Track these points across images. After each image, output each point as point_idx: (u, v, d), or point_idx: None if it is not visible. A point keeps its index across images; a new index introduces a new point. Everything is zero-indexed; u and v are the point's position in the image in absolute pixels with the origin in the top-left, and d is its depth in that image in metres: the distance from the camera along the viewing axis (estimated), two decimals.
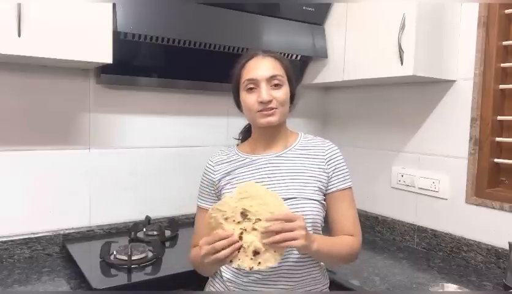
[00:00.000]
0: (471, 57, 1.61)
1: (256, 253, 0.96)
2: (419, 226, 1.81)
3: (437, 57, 1.61)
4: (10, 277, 1.37)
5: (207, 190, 1.22)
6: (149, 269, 1.39)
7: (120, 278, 1.31)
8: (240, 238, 0.96)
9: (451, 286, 1.34)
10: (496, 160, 1.59)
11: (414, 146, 1.85)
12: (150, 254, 1.46)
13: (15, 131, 1.53)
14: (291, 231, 0.94)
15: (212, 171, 1.22)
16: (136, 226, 1.71)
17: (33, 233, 1.56)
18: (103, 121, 1.70)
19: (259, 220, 0.96)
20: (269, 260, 0.96)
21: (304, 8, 1.84)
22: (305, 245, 0.96)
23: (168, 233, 1.72)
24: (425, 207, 1.79)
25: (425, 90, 1.79)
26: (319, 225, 1.14)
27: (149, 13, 1.51)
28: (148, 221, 1.77)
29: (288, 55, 1.83)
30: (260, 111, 1.12)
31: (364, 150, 2.09)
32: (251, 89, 1.14)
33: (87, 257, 1.47)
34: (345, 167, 1.19)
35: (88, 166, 1.68)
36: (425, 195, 1.79)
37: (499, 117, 1.58)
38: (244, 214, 0.98)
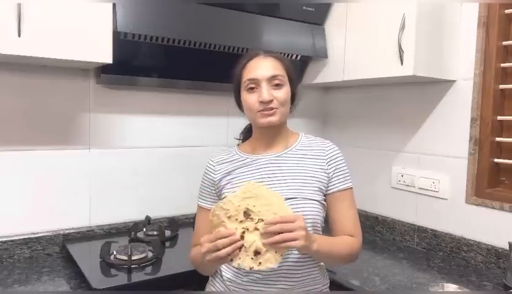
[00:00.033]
0: (471, 57, 1.61)
1: (257, 253, 0.96)
2: (419, 226, 1.81)
3: (437, 57, 1.61)
4: (10, 277, 1.37)
5: (208, 189, 1.23)
6: (149, 269, 1.39)
7: (120, 278, 1.31)
8: (242, 237, 0.96)
9: (451, 286, 1.34)
10: (496, 160, 1.59)
11: (414, 146, 1.85)
12: (150, 254, 1.46)
13: (15, 131, 1.53)
14: (291, 231, 0.94)
15: (212, 171, 1.22)
16: (136, 226, 1.71)
17: (33, 233, 1.56)
18: (103, 121, 1.70)
19: (262, 220, 0.97)
20: (269, 261, 0.96)
21: (304, 8, 1.84)
22: (305, 246, 0.96)
23: (168, 233, 1.72)
24: (425, 207, 1.79)
25: (425, 90, 1.79)
26: (319, 225, 1.14)
27: (149, 13, 1.51)
28: (148, 221, 1.77)
29: (288, 55, 1.83)
30: (261, 111, 1.12)
31: (364, 150, 2.09)
32: (252, 88, 1.14)
33: (87, 257, 1.47)
34: (345, 168, 1.20)
35: (88, 166, 1.68)
36: (425, 195, 1.79)
37: (499, 117, 1.58)
38: (247, 214, 0.98)
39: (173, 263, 1.44)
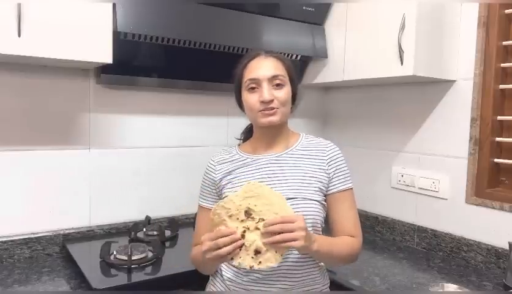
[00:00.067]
0: (471, 57, 1.61)
1: (257, 252, 0.96)
2: (419, 226, 1.81)
3: (437, 57, 1.61)
4: (10, 277, 1.37)
5: (209, 189, 1.23)
6: (149, 269, 1.39)
7: (120, 278, 1.31)
8: (243, 236, 0.97)
9: (451, 286, 1.34)
10: (496, 160, 1.59)
11: (414, 146, 1.85)
12: (150, 254, 1.46)
13: (15, 131, 1.53)
14: (292, 231, 0.94)
15: (213, 171, 1.22)
16: (136, 226, 1.71)
17: (33, 233, 1.56)
18: (103, 121, 1.70)
19: (263, 220, 0.97)
20: (269, 260, 0.96)
21: (304, 8, 1.84)
22: (305, 246, 0.96)
23: (168, 233, 1.72)
24: (425, 207, 1.79)
25: (425, 90, 1.79)
26: (319, 226, 1.14)
27: (149, 13, 1.51)
28: (148, 221, 1.77)
29: (288, 55, 1.83)
30: (262, 110, 1.12)
31: (364, 150, 2.09)
32: (253, 88, 1.14)
33: (87, 257, 1.47)
34: (345, 168, 1.20)
35: (88, 166, 1.68)
36: (425, 195, 1.79)
37: (499, 117, 1.58)
38: (248, 213, 0.98)
39: (173, 263, 1.44)
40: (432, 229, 1.75)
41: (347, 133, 2.19)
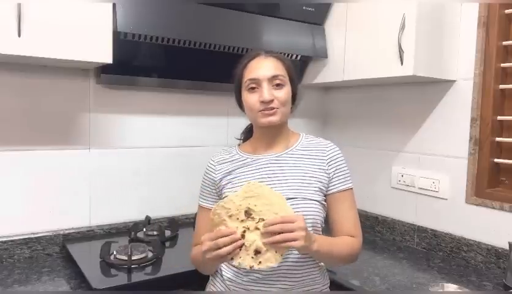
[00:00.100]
0: (471, 57, 1.61)
1: (257, 252, 0.96)
2: (419, 226, 1.81)
3: (437, 57, 1.61)
4: (10, 277, 1.37)
5: (209, 189, 1.23)
6: (149, 269, 1.39)
7: (120, 278, 1.31)
8: (243, 236, 0.97)
9: (451, 286, 1.34)
10: (496, 160, 1.59)
11: (414, 146, 1.85)
12: (150, 254, 1.46)
13: (15, 131, 1.53)
14: (292, 231, 0.94)
15: (213, 171, 1.22)
16: (136, 226, 1.71)
17: (33, 233, 1.56)
18: (103, 121, 1.70)
19: (263, 220, 0.97)
20: (269, 260, 0.96)
21: (304, 8, 1.84)
22: (305, 246, 0.96)
23: (168, 233, 1.72)
24: (425, 207, 1.79)
25: (425, 90, 1.79)
26: (319, 226, 1.14)
27: (149, 13, 1.51)
28: (148, 221, 1.77)
29: (288, 55, 1.83)
30: (262, 110, 1.12)
31: (364, 150, 2.09)
32: (253, 88, 1.14)
33: (87, 257, 1.47)
34: (345, 168, 1.20)
35: (88, 166, 1.68)
36: (425, 195, 1.79)
37: (499, 117, 1.58)
38: (248, 213, 0.98)
39: (173, 263, 1.44)
40: (432, 229, 1.75)
41: (347, 133, 2.19)
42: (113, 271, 1.36)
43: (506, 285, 1.40)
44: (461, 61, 1.65)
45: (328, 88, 2.30)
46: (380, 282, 1.43)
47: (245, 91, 1.16)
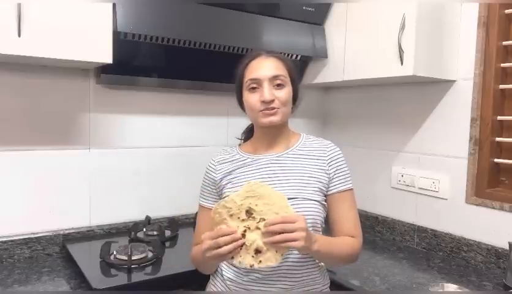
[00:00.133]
0: (471, 57, 1.61)
1: (258, 251, 0.96)
2: (419, 226, 1.81)
3: (437, 57, 1.61)
4: (10, 277, 1.37)
5: (209, 189, 1.23)
6: (149, 269, 1.39)
7: (120, 278, 1.31)
8: (244, 236, 0.97)
9: (451, 286, 1.34)
10: (496, 160, 1.59)
11: (414, 146, 1.85)
12: (150, 254, 1.46)
13: (15, 131, 1.53)
14: (292, 232, 0.94)
15: (213, 170, 1.22)
16: (136, 226, 1.71)
17: (33, 233, 1.56)
18: (103, 121, 1.70)
19: (264, 219, 0.97)
20: (270, 259, 0.97)
21: (304, 8, 1.84)
22: (305, 246, 0.96)
23: (168, 233, 1.72)
24: (425, 207, 1.79)
25: (425, 90, 1.79)
26: (319, 226, 1.14)
27: (149, 13, 1.51)
28: (148, 221, 1.77)
29: (288, 55, 1.83)
30: (262, 110, 1.12)
31: (364, 150, 2.09)
32: (254, 88, 1.14)
33: (87, 257, 1.47)
34: (346, 169, 1.20)
35: (88, 166, 1.68)
36: (425, 195, 1.79)
37: (499, 117, 1.58)
38: (249, 213, 0.98)
39: (173, 263, 1.44)
40: (432, 229, 1.75)
41: (347, 133, 2.19)
42: (113, 271, 1.36)
43: (506, 285, 1.40)
44: (461, 61, 1.65)
45: (328, 88, 2.30)
46: (380, 282, 1.43)
47: (246, 91, 1.16)
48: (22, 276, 1.38)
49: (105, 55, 1.37)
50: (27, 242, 1.54)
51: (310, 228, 1.09)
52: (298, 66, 1.99)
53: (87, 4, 1.33)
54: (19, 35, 1.22)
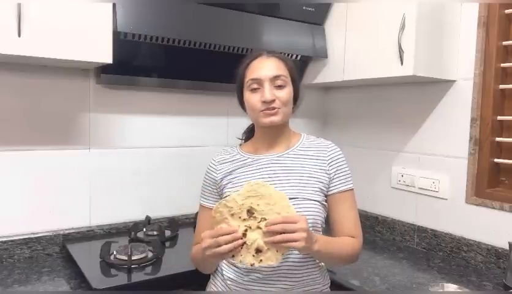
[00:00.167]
0: (471, 57, 1.61)
1: (258, 251, 0.97)
2: (419, 226, 1.81)
3: (437, 57, 1.61)
4: (10, 277, 1.37)
5: (210, 189, 1.23)
6: (149, 269, 1.39)
7: (120, 278, 1.31)
8: (245, 235, 0.97)
9: (451, 286, 1.34)
10: (496, 160, 1.59)
11: (414, 146, 1.85)
12: (150, 254, 1.46)
13: (15, 131, 1.53)
14: (294, 232, 0.94)
15: (214, 170, 1.22)
16: (136, 226, 1.71)
17: (33, 233, 1.56)
18: (103, 121, 1.70)
19: (265, 219, 0.97)
20: (270, 259, 0.97)
21: (304, 8, 1.84)
22: (306, 247, 0.96)
23: (168, 233, 1.72)
24: (425, 207, 1.79)
25: (425, 90, 1.79)
26: (319, 226, 1.14)
27: (149, 13, 1.51)
28: (148, 221, 1.77)
29: (288, 55, 1.83)
30: (263, 110, 1.13)
31: (364, 150, 2.09)
32: (255, 88, 1.14)
33: (87, 257, 1.47)
34: (346, 169, 1.20)
35: (88, 166, 1.68)
36: (425, 195, 1.79)
37: (499, 117, 1.58)
38: (250, 212, 0.99)
39: (173, 263, 1.44)
40: (432, 229, 1.75)
41: (347, 133, 2.19)
42: (113, 271, 1.36)
43: (506, 285, 1.40)
44: (461, 61, 1.65)
45: (328, 88, 2.30)
46: (380, 282, 1.43)
47: (247, 91, 1.16)
48: (22, 276, 1.38)
49: (105, 55, 1.37)
50: (27, 242, 1.54)
51: (311, 228, 1.09)
52: (298, 66, 1.98)
53: (87, 4, 1.32)
54: (19, 35, 1.22)
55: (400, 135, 1.91)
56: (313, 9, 1.87)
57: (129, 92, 1.75)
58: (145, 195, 1.81)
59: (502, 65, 1.57)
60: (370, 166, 2.05)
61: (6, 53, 1.22)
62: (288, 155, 1.19)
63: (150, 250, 1.48)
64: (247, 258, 0.97)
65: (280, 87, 1.14)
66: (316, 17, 1.90)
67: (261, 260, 0.97)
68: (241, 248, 0.97)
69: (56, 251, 1.59)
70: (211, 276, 1.24)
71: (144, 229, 1.71)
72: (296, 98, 1.21)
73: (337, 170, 1.17)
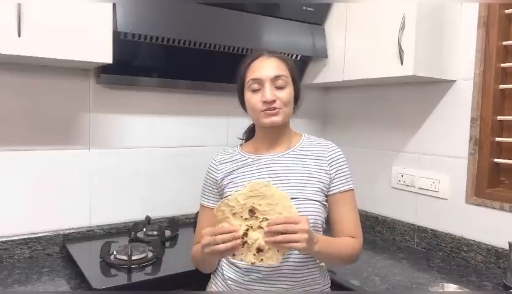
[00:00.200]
0: (471, 57, 1.61)
1: (259, 250, 0.97)
2: (419, 226, 1.81)
3: (437, 57, 1.61)
4: (10, 277, 1.37)
5: (210, 188, 1.23)
6: (149, 269, 1.39)
7: (120, 278, 1.31)
8: (246, 234, 0.97)
9: (451, 286, 1.34)
10: (496, 160, 1.59)
11: (414, 146, 1.85)
12: (150, 254, 1.46)
13: (15, 131, 1.53)
14: (295, 233, 0.94)
15: (215, 170, 1.22)
16: (136, 226, 1.71)
17: (33, 233, 1.56)
18: (103, 121, 1.70)
19: (267, 219, 0.97)
20: (271, 258, 0.97)
21: (304, 8, 1.84)
22: (307, 248, 0.96)
23: (168, 233, 1.72)
24: (425, 207, 1.79)
25: (425, 90, 1.79)
26: (320, 226, 1.14)
27: (149, 13, 1.51)
28: (148, 221, 1.77)
29: (288, 55, 1.83)
30: (264, 110, 1.13)
31: (364, 150, 2.09)
32: (255, 89, 1.14)
33: (87, 257, 1.47)
34: (347, 169, 1.20)
35: (88, 166, 1.68)
36: (425, 195, 1.79)
37: (499, 117, 1.58)
38: (252, 212, 0.99)
39: (173, 263, 1.44)
40: (432, 229, 1.75)
41: (347, 133, 2.19)
42: (113, 271, 1.36)
43: (506, 285, 1.40)
44: (461, 61, 1.65)
45: (328, 88, 2.30)
46: (380, 282, 1.43)
47: (247, 91, 1.16)
48: (22, 276, 1.38)
49: (105, 55, 1.37)
50: (27, 242, 1.54)
51: (311, 229, 1.09)
52: (298, 66, 1.99)
53: (87, 4, 1.32)
54: (19, 35, 1.22)
55: (400, 135, 1.91)
56: (313, 9, 1.87)
57: (129, 92, 1.75)
58: (145, 195, 1.81)
59: (502, 65, 1.57)
60: (370, 166, 2.05)
61: (6, 53, 1.22)
62: (288, 155, 1.19)
63: (150, 250, 1.48)
64: (247, 257, 0.97)
65: (280, 87, 1.14)
66: (316, 17, 1.90)
67: (261, 259, 0.97)
68: (242, 247, 0.97)
69: (56, 251, 1.59)
70: (212, 276, 1.24)
71: (144, 229, 1.71)
72: (296, 98, 1.21)
73: (337, 170, 1.17)
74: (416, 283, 1.42)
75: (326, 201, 1.17)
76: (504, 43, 1.57)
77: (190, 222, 1.86)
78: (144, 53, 1.68)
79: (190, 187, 1.84)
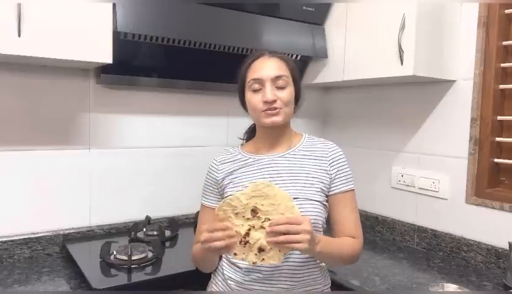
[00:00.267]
0: (471, 57, 1.61)
1: (261, 250, 0.97)
2: (419, 226, 1.81)
3: (437, 57, 1.61)
4: (10, 277, 1.37)
5: (211, 188, 1.23)
6: (149, 269, 1.39)
7: (120, 278, 1.31)
8: (248, 234, 0.98)
9: (451, 286, 1.34)
10: (496, 160, 1.59)
11: (414, 146, 1.85)
12: (150, 254, 1.46)
13: (15, 131, 1.53)
14: (297, 233, 0.94)
15: (216, 170, 1.22)
16: (136, 226, 1.71)
17: (33, 233, 1.56)
18: (103, 121, 1.70)
19: (269, 219, 0.98)
20: (272, 258, 0.98)
21: (304, 8, 1.84)
22: (308, 249, 0.96)
23: (168, 233, 1.72)
24: (425, 207, 1.79)
25: (425, 90, 1.79)
26: (320, 226, 1.15)
27: (149, 13, 1.51)
28: (148, 221, 1.77)
29: (288, 55, 1.83)
30: (265, 110, 1.13)
31: (364, 150, 2.09)
32: (256, 89, 1.14)
33: (87, 257, 1.47)
34: (347, 169, 1.20)
35: (88, 166, 1.68)
36: (425, 195, 1.79)
37: (499, 117, 1.58)
38: (254, 212, 0.99)
39: (173, 263, 1.44)
40: (432, 229, 1.75)
41: (347, 133, 2.19)
42: (113, 271, 1.36)
43: (506, 285, 1.40)
44: (461, 61, 1.65)
45: (328, 88, 2.30)
46: (380, 282, 1.43)
47: (248, 91, 1.16)
48: (22, 276, 1.38)
49: (105, 55, 1.37)
50: (27, 242, 1.54)
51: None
52: (299, 66, 1.98)
53: (87, 4, 1.32)
54: (19, 35, 1.22)
55: (400, 135, 1.91)
56: (313, 9, 1.87)
57: (129, 92, 1.75)
58: (145, 195, 1.81)
59: (502, 65, 1.57)
60: (370, 166, 2.05)
61: (6, 53, 1.22)
62: (289, 155, 1.19)
63: (150, 250, 1.48)
64: (249, 257, 0.98)
65: (281, 87, 1.14)
66: (316, 17, 1.90)
67: (263, 259, 0.97)
68: (244, 246, 0.97)
69: (56, 251, 1.59)
70: (212, 276, 1.24)
71: (144, 229, 1.71)
72: (297, 98, 1.21)
73: (338, 170, 1.18)
74: (416, 283, 1.42)
75: (327, 201, 1.17)
76: (504, 43, 1.57)
77: (190, 222, 1.86)
78: (144, 53, 1.68)
79: (190, 187, 1.84)
